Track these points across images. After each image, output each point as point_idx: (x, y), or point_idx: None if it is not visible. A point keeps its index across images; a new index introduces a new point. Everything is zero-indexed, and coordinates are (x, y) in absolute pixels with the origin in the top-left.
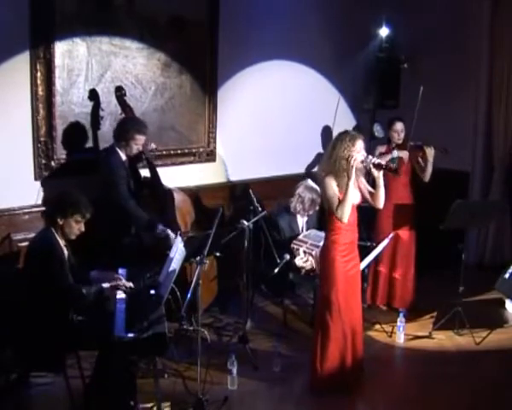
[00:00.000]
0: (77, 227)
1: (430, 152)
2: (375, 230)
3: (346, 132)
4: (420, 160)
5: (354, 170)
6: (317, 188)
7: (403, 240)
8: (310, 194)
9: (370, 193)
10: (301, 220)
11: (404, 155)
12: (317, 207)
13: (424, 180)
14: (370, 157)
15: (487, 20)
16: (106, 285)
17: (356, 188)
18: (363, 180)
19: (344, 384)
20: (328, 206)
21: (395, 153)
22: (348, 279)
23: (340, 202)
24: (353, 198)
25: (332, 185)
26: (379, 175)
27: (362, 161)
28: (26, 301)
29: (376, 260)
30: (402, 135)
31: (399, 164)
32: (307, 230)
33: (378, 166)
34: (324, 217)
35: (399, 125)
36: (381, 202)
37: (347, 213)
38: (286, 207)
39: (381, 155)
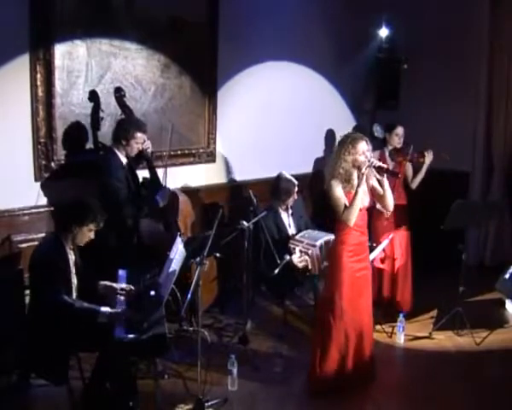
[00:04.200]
0: (88, 235)
1: (429, 156)
2: (372, 231)
3: (347, 135)
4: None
5: (364, 176)
6: (292, 179)
7: (400, 240)
8: (285, 184)
9: (378, 196)
10: (285, 215)
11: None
12: (295, 197)
13: (412, 186)
14: (373, 160)
15: (487, 21)
16: (104, 310)
17: (366, 191)
18: (374, 183)
19: (342, 387)
20: (335, 209)
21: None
22: (355, 281)
23: (348, 206)
24: (361, 203)
25: (337, 189)
26: (383, 178)
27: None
28: (29, 306)
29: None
30: (402, 140)
31: (398, 166)
32: (295, 224)
33: (380, 169)
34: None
35: (401, 130)
36: (389, 205)
37: (353, 218)
38: (268, 206)
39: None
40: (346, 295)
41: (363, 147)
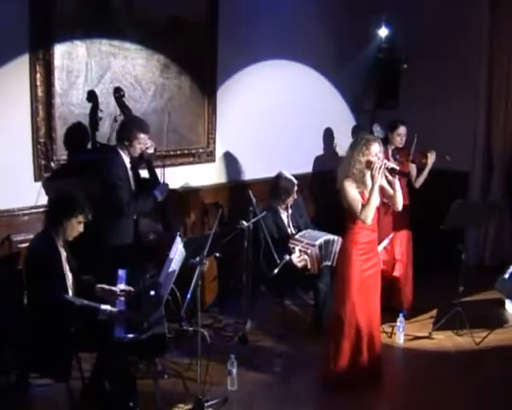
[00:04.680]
0: (77, 228)
1: (432, 157)
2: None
3: (361, 137)
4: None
5: (380, 175)
6: (292, 178)
7: (401, 240)
8: (285, 184)
9: (388, 195)
10: (285, 215)
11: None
12: (295, 196)
13: (415, 185)
14: (385, 161)
15: (486, 21)
16: (104, 308)
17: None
18: (383, 183)
19: (356, 382)
20: (350, 209)
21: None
22: (364, 279)
23: (364, 205)
24: (377, 201)
25: (352, 189)
26: (394, 180)
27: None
28: (28, 305)
29: None
30: (404, 139)
31: (401, 165)
32: (295, 224)
33: (392, 171)
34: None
35: (403, 129)
36: (399, 204)
37: (371, 216)
38: (267, 206)
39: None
40: (356, 292)
41: (376, 148)
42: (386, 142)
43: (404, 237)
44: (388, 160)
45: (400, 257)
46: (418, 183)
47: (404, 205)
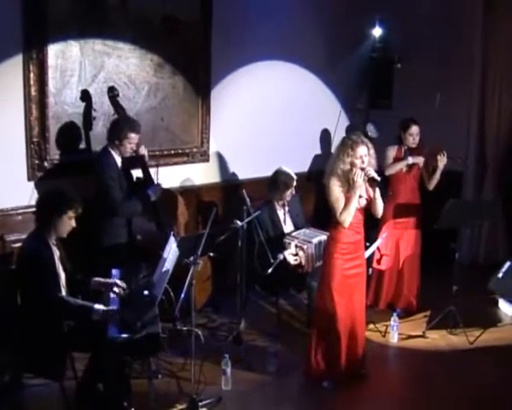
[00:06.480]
0: (69, 223)
1: (442, 159)
2: (380, 229)
3: (349, 137)
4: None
5: (360, 180)
6: (290, 172)
7: (408, 240)
8: (284, 177)
9: (371, 199)
10: (281, 212)
11: (419, 160)
12: (293, 192)
13: (429, 188)
14: (368, 168)
15: (480, 21)
16: (98, 308)
17: (364, 190)
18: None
19: (337, 377)
20: (332, 208)
21: (410, 159)
22: (345, 278)
23: (344, 207)
24: (357, 204)
25: (335, 188)
26: (374, 189)
27: (362, 169)
28: (20, 306)
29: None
30: (417, 139)
31: (412, 167)
32: (291, 222)
33: (371, 181)
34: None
35: (415, 129)
36: (378, 213)
37: (349, 219)
38: (262, 204)
39: (395, 159)
40: (337, 291)
41: (363, 151)
42: (399, 141)
43: (411, 237)
44: (401, 159)
45: (405, 257)
46: (431, 185)
47: (415, 205)
